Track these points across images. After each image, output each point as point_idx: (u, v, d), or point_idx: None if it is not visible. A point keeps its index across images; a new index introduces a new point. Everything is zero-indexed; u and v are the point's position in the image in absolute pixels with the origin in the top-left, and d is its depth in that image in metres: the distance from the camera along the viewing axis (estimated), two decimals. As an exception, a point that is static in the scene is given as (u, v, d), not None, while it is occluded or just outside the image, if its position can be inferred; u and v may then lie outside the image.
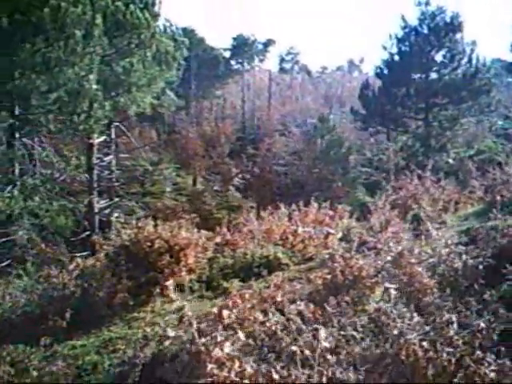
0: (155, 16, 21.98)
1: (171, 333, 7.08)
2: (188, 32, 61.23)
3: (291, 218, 15.79)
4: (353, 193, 30.77)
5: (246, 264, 11.67)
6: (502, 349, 5.30)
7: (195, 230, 11.52)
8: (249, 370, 5.75)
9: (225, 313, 7.32)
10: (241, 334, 6.64)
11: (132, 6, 20.81)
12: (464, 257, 7.60)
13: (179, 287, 10.76)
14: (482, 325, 5.59)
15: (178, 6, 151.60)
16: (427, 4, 35.51)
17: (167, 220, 12.31)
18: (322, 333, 5.87)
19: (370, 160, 38.38)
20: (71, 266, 11.58)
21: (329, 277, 8.32)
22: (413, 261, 7.51)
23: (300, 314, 6.50)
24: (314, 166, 35.12)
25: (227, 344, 6.12)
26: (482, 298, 6.40)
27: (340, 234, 13.25)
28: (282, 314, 6.94)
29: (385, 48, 37.11)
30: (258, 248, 12.60)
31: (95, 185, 23.23)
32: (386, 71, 37.47)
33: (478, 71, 35.18)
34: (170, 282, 10.68)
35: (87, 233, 22.12)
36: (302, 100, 72.93)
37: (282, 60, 75.38)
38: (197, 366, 6.03)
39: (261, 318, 6.78)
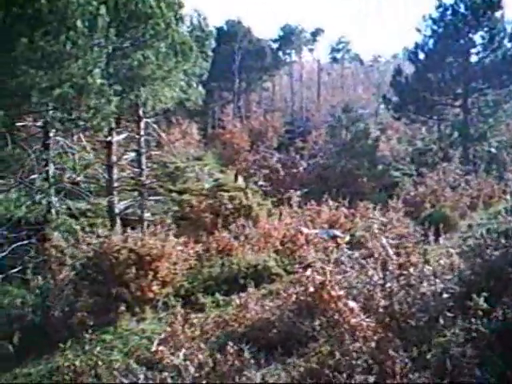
0: (172, 4, 20.79)
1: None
2: (234, 24, 60.43)
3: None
4: (379, 188, 28.68)
5: (231, 275, 10.41)
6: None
7: (170, 237, 10.30)
8: None
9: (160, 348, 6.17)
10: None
11: (145, -5, 19.70)
12: (436, 281, 6.14)
13: (153, 302, 9.62)
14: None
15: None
16: None
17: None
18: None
19: (410, 152, 36.05)
20: (35, 281, 10.54)
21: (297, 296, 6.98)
22: (336, 293, 6.08)
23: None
24: (339, 159, 33.08)
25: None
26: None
27: (348, 238, 11.81)
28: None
29: (418, 30, 34.39)
30: (251, 255, 11.29)
31: (115, 184, 22.27)
32: (420, 55, 34.72)
33: (520, 52, 32.22)
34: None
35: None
36: (353, 90, 70.97)
37: (333, 49, 73.21)
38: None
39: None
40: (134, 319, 9.39)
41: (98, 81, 17.09)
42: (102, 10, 17.13)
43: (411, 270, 9.03)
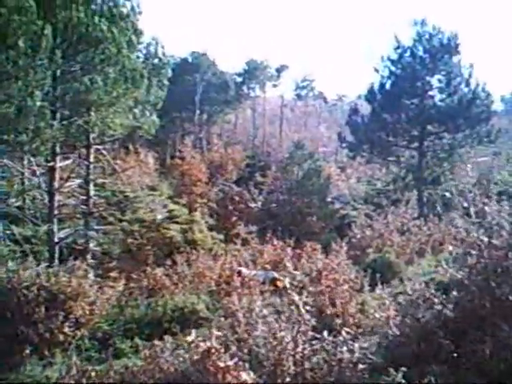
0: (124, 30, 20.17)
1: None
2: (199, 55, 60.28)
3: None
4: (329, 228, 28.09)
5: (156, 318, 9.61)
6: None
7: (90, 275, 9.48)
8: None
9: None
10: None
11: (97, 19, 19.05)
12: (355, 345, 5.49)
13: (64, 345, 8.76)
14: None
15: (191, 28, 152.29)
16: (423, 24, 32.70)
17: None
18: None
19: (367, 193, 35.72)
20: None
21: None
22: (224, 364, 5.39)
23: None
24: (289, 196, 32.43)
25: None
26: None
27: (287, 281, 11.10)
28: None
29: (376, 70, 34.46)
30: (182, 296, 10.53)
31: (55, 211, 21.28)
32: (376, 95, 34.53)
33: (476, 97, 32.47)
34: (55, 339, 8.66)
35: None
36: (316, 128, 71.21)
37: (297, 86, 73.54)
38: None
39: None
40: (41, 363, 8.54)
41: (38, 103, 16.31)
42: (47, 30, 16.45)
43: (350, 319, 8.45)
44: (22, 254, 21.44)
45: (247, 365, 5.93)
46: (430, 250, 15.12)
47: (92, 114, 20.52)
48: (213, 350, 5.73)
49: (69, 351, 8.86)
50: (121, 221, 27.74)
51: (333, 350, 5.80)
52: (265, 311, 6.93)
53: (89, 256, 23.50)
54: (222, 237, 25.88)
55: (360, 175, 47.22)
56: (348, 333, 6.43)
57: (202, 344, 6.01)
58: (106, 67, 19.50)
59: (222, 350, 5.83)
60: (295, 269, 13.29)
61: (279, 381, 5.39)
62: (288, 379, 5.32)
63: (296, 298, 6.94)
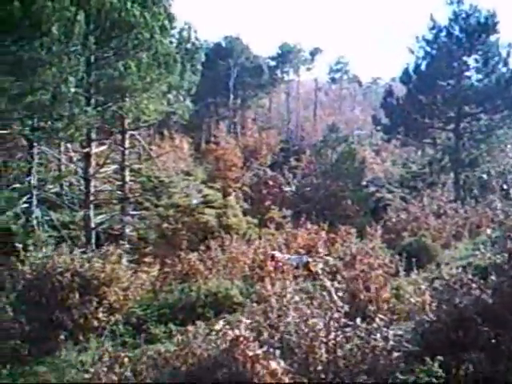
0: (157, 15, 20.12)
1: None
2: (232, 39, 59.98)
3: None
4: (364, 212, 27.56)
5: (189, 303, 9.57)
6: None
7: (123, 260, 9.48)
8: None
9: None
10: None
11: (129, 4, 19.03)
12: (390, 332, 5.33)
13: (98, 330, 8.78)
14: None
15: (224, 12, 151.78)
16: (460, 3, 31.81)
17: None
18: None
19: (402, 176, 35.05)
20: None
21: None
22: (253, 353, 5.25)
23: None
24: (324, 180, 31.98)
25: None
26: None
27: (320, 266, 10.97)
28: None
29: (411, 51, 33.56)
30: (216, 281, 10.47)
31: (92, 197, 21.44)
32: (411, 77, 33.70)
33: (515, 77, 31.51)
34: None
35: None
36: (350, 111, 70.49)
37: (331, 70, 72.74)
38: None
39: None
40: (76, 348, 8.58)
41: (72, 89, 16.36)
42: (80, 16, 16.45)
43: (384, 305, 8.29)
44: (60, 240, 21.75)
45: (278, 353, 5.84)
46: (467, 234, 14.80)
47: (126, 99, 20.57)
48: (241, 339, 5.62)
49: (103, 337, 8.90)
50: (156, 206, 27.88)
51: (366, 338, 5.65)
52: (296, 297, 6.79)
53: (124, 241, 23.78)
54: (256, 221, 25.80)
55: (395, 158, 46.63)
56: (382, 319, 6.28)
57: (230, 332, 5.92)
58: (139, 52, 19.52)
59: (251, 339, 5.73)
60: (329, 253, 13.17)
61: (311, 369, 5.28)
62: (320, 367, 5.20)
63: (328, 283, 6.81)
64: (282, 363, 5.66)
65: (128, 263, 11.15)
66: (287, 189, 36.71)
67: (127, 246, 23.25)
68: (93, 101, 19.92)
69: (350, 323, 6.15)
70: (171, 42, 24.06)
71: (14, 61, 15.42)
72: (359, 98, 79.14)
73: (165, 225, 22.32)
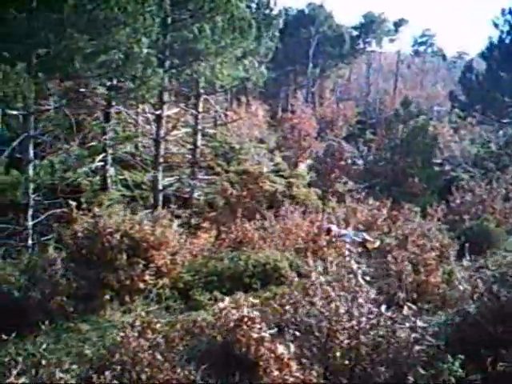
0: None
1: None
2: (316, 7, 58.88)
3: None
4: (431, 190, 26.28)
5: (237, 273, 9.45)
6: None
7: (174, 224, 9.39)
8: None
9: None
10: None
11: (206, -33, 18.83)
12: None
13: (144, 293, 8.80)
14: None
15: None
16: None
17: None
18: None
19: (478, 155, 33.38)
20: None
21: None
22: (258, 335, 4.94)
23: None
24: (392, 155, 30.86)
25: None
26: None
27: (377, 243, 10.68)
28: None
29: (495, 25, 31.68)
30: (267, 251, 10.31)
31: (161, 159, 21.61)
32: (493, 52, 31.89)
33: None
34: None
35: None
36: (432, 86, 68.21)
37: (415, 42, 70.50)
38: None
39: None
40: (121, 309, 8.65)
41: (145, 50, 16.36)
42: (156, -24, 16.39)
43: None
44: (132, 199, 22.12)
45: (288, 336, 5.61)
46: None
47: (200, 63, 20.46)
48: (245, 319, 5.40)
49: (148, 299, 8.94)
50: (227, 172, 27.88)
51: (391, 326, 5.36)
52: (322, 278, 6.46)
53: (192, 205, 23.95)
54: (320, 192, 25.39)
55: (474, 137, 44.93)
56: (410, 308, 5.94)
57: (234, 312, 5.72)
58: (215, 16, 19.29)
59: (258, 320, 5.50)
60: (389, 231, 12.78)
61: (330, 354, 5.03)
62: (338, 353, 4.94)
63: (355, 266, 6.50)
64: (292, 348, 5.44)
65: (182, 228, 11.12)
66: (360, 162, 35.97)
67: (193, 209, 23.61)
68: (167, 63, 19.99)
69: (375, 310, 5.85)
70: (249, 7, 23.77)
71: (89, 19, 15.46)
72: (443, 73, 76.41)
73: (229, 191, 22.22)
